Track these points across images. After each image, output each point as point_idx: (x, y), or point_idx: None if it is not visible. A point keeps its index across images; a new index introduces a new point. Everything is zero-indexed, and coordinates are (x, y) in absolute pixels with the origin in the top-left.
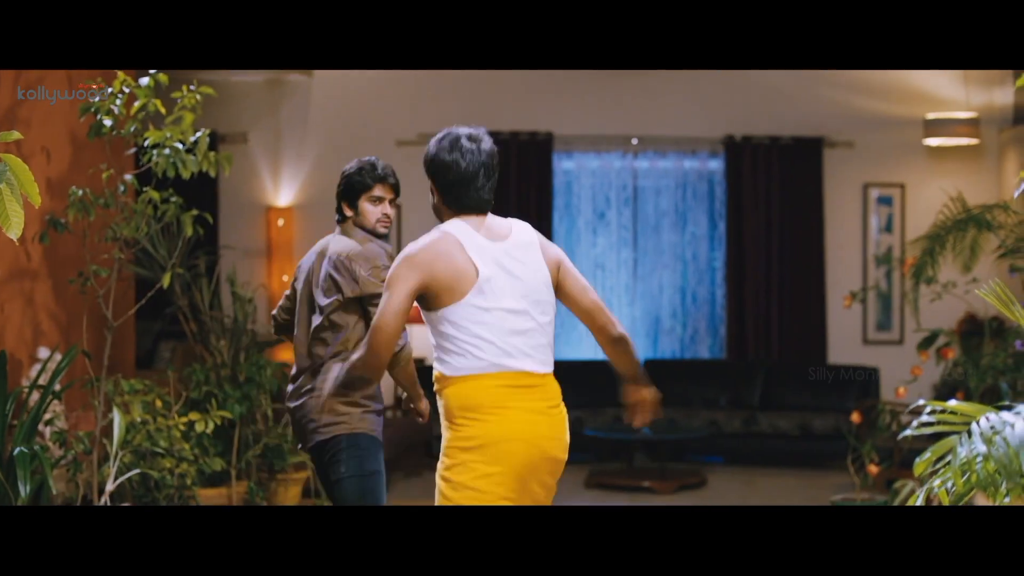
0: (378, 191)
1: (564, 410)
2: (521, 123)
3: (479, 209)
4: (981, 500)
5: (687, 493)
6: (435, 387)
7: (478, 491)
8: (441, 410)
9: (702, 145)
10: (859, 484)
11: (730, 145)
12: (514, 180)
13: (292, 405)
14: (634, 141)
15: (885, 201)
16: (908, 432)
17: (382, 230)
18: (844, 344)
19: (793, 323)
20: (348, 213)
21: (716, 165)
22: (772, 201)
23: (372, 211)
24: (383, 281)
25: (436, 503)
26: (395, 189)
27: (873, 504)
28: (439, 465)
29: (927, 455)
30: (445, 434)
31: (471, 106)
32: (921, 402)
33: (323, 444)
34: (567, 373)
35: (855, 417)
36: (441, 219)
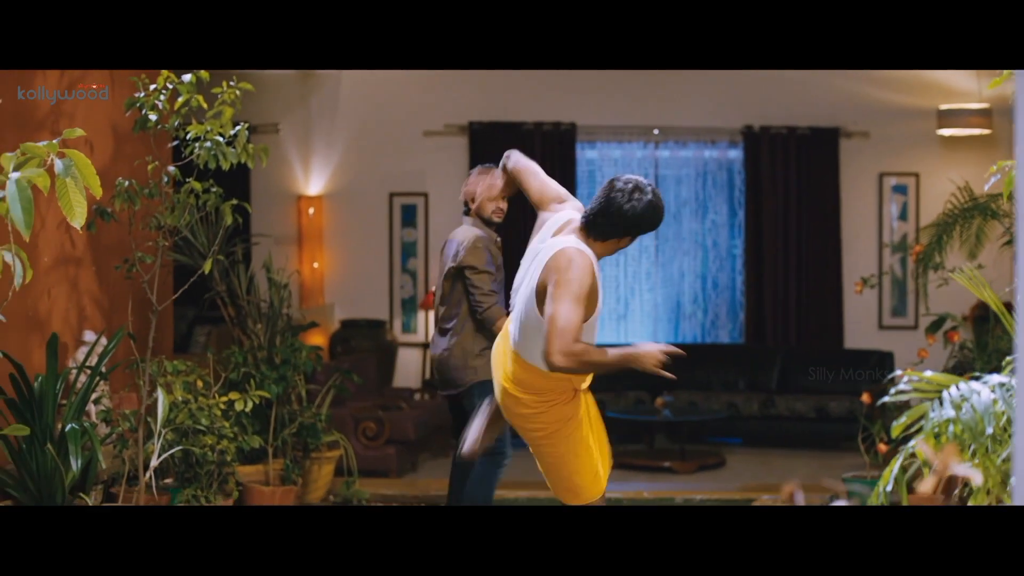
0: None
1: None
2: (545, 114)
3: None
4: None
5: (706, 473)
6: None
7: None
8: None
9: (722, 135)
10: (869, 462)
11: (749, 135)
12: None
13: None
14: (655, 131)
15: (900, 190)
16: (886, 399)
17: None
18: (860, 329)
19: (810, 309)
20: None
21: (735, 155)
22: (790, 190)
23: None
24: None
25: None
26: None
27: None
28: None
29: (903, 419)
30: None
31: (497, 97)
32: (899, 372)
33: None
34: None
35: (865, 398)
36: None
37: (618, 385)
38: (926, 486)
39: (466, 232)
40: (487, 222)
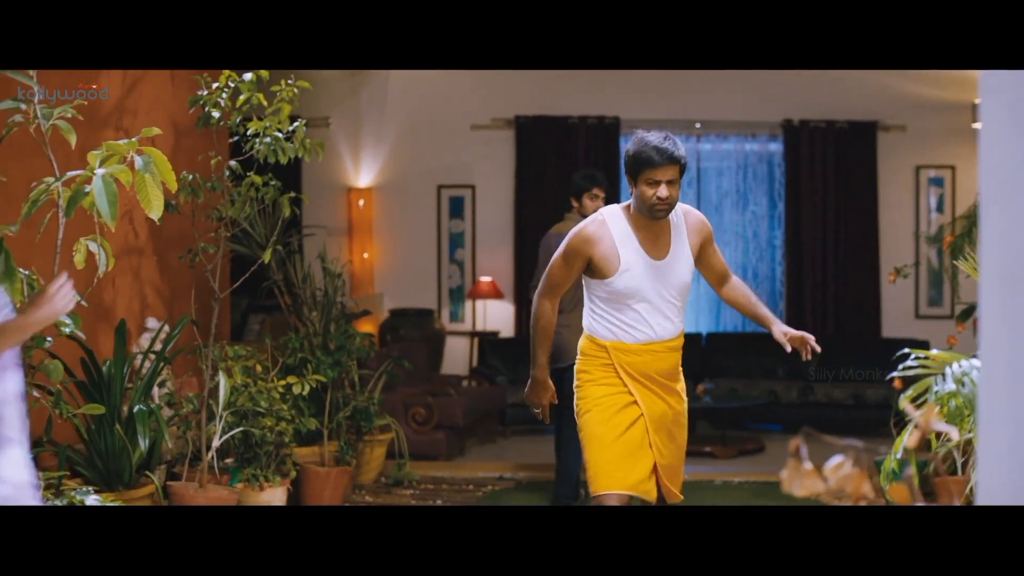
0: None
1: None
2: (590, 108)
3: None
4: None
5: (746, 458)
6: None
7: None
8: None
9: (762, 129)
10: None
11: (788, 129)
12: (583, 162)
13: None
14: (697, 125)
15: (936, 182)
16: (894, 374)
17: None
18: (897, 318)
19: (848, 298)
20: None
21: (775, 148)
22: (829, 182)
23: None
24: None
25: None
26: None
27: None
28: (681, 413)
29: (908, 392)
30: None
31: (543, 92)
32: (906, 350)
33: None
34: None
35: (897, 384)
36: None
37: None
38: (911, 441)
39: (570, 227)
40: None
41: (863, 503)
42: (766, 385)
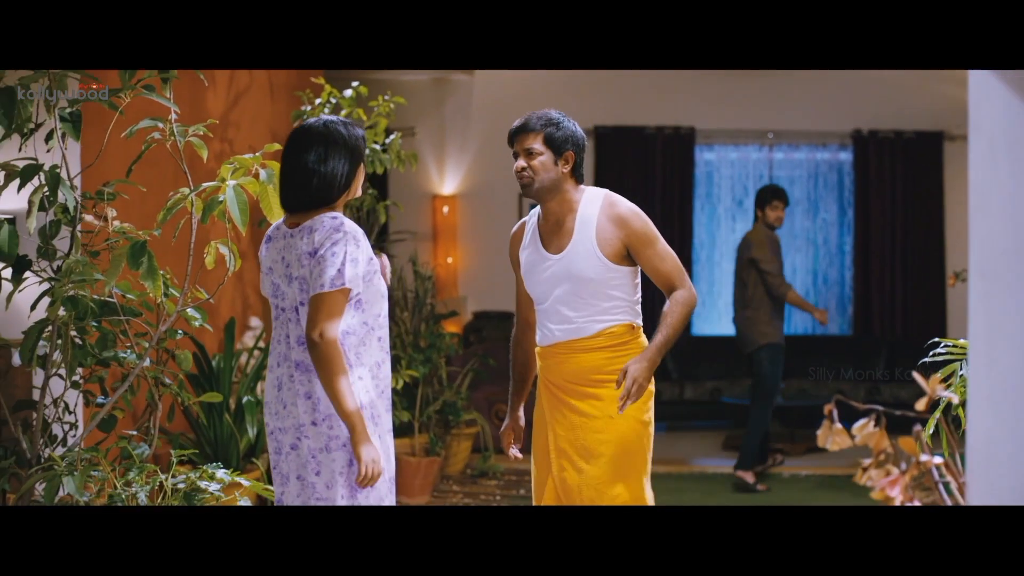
0: None
1: None
2: (666, 118)
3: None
4: None
5: (814, 455)
6: (620, 340)
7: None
8: (623, 360)
9: (832, 138)
10: (957, 441)
11: (858, 139)
12: (659, 171)
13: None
14: (770, 135)
15: None
16: (925, 360)
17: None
18: (961, 321)
19: (915, 302)
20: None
21: (845, 157)
22: (897, 190)
23: None
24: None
25: (632, 450)
26: None
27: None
28: (634, 412)
29: (936, 375)
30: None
31: (621, 103)
32: (936, 339)
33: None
34: (706, 346)
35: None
36: (558, 187)
37: (733, 373)
38: (920, 404)
39: (755, 233)
40: (770, 227)
41: (882, 457)
42: (834, 385)
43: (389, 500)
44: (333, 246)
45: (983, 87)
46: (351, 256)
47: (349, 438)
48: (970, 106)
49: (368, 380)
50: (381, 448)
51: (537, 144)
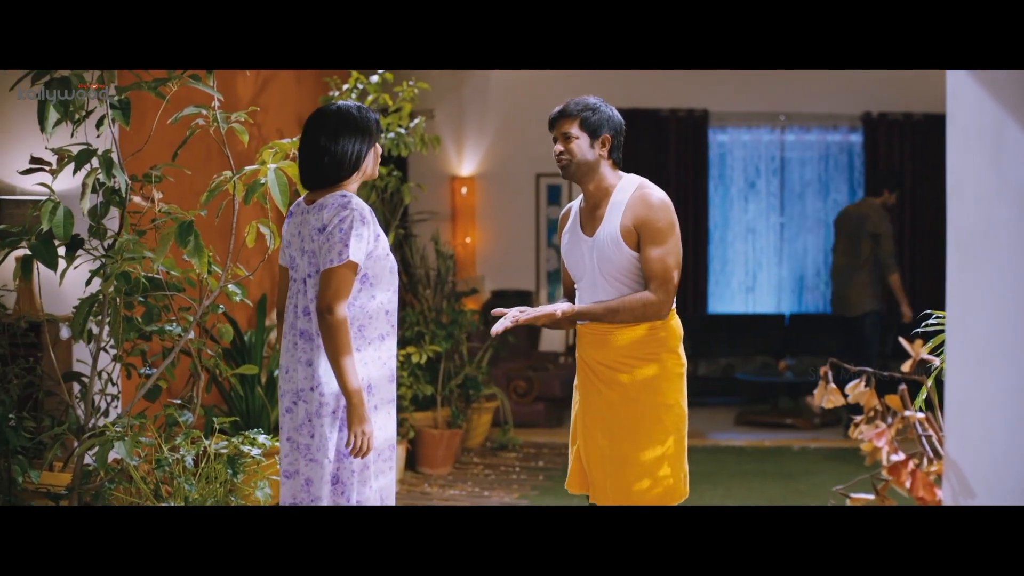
0: None
1: None
2: (679, 101)
3: None
4: None
5: (826, 430)
6: (647, 326)
7: (684, 410)
8: (652, 343)
9: (843, 121)
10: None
11: (868, 121)
12: (673, 152)
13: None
14: (782, 117)
15: None
16: (917, 331)
17: None
18: None
19: (923, 282)
20: None
21: (856, 139)
22: (906, 171)
23: None
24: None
25: (653, 431)
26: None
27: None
28: (654, 395)
29: (929, 343)
30: (660, 365)
31: (635, 86)
32: (928, 311)
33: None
34: (719, 324)
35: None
36: (595, 170)
37: (745, 350)
38: (906, 367)
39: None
40: (885, 207)
41: (872, 414)
42: (845, 362)
43: (383, 473)
44: (341, 223)
45: (958, 84)
46: (356, 232)
47: (344, 408)
48: (947, 100)
49: (371, 353)
50: (377, 420)
51: (574, 128)
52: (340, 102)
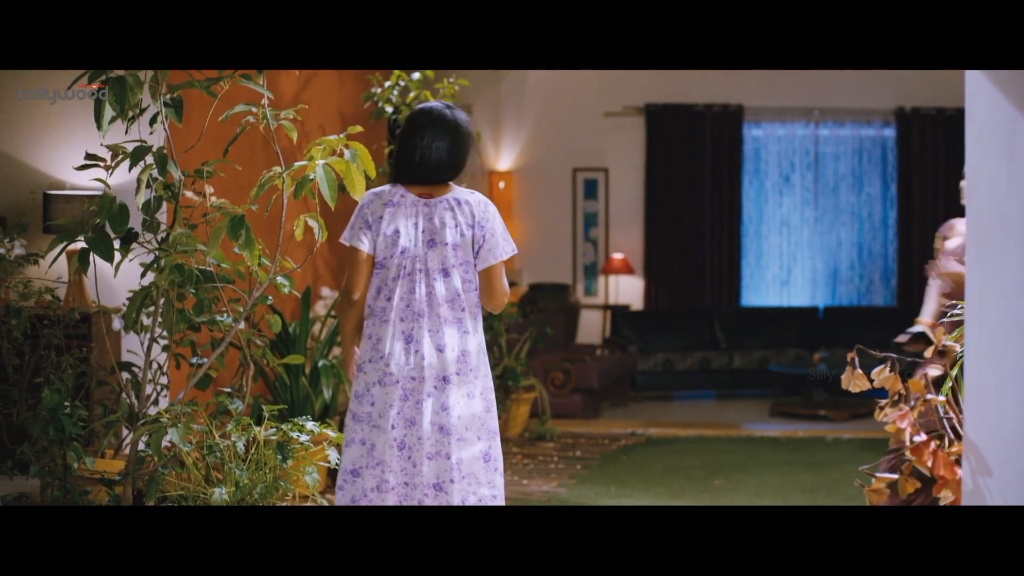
0: None
1: None
2: (715, 96)
3: None
4: None
5: (858, 421)
6: None
7: None
8: None
9: (876, 116)
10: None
11: (901, 116)
12: (709, 147)
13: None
14: (816, 112)
15: None
16: (945, 320)
17: None
18: None
19: None
20: None
21: (889, 133)
22: (939, 165)
23: None
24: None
25: None
26: None
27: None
28: None
29: (954, 334)
30: None
31: (671, 81)
32: (953, 301)
33: None
34: (753, 317)
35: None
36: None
37: (779, 343)
38: (927, 353)
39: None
40: None
41: (896, 396)
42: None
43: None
44: (496, 217)
45: (975, 84)
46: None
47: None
48: (966, 99)
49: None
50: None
51: None
52: (457, 111)
